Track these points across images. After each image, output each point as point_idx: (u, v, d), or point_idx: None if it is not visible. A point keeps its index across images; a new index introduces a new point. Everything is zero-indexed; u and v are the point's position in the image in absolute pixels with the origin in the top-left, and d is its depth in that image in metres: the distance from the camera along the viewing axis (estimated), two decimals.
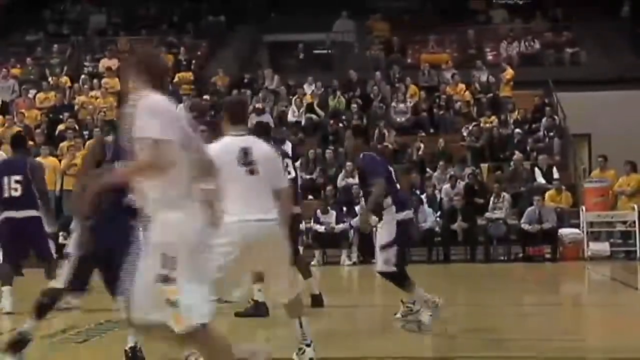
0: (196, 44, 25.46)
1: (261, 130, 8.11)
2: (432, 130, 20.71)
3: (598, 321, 9.22)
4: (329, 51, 25.67)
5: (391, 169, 8.01)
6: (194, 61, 24.07)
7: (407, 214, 7.94)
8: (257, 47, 26.53)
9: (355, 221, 15.82)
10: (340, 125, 20.45)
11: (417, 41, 25.01)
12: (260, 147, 5.87)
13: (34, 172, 9.00)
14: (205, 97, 21.85)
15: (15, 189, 8.83)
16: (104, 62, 23.44)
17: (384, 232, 7.75)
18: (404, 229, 7.78)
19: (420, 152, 19.48)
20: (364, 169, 7.88)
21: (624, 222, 16.48)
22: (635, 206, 16.34)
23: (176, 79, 22.82)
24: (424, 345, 7.11)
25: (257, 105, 21.12)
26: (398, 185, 8.01)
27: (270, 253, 5.62)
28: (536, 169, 18.33)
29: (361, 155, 7.89)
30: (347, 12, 25.11)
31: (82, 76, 22.72)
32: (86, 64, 24.05)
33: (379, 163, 7.85)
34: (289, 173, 8.60)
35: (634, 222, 16.21)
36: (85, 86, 22.15)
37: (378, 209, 7.73)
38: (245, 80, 23.22)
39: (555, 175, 18.08)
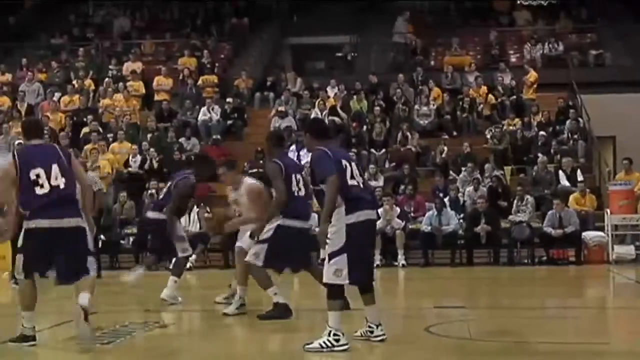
0: (220, 47, 25.59)
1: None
2: (455, 133, 20.66)
3: (623, 325, 9.15)
4: (353, 54, 25.68)
5: (347, 162, 6.90)
6: (217, 64, 24.17)
7: (360, 215, 6.79)
8: (280, 49, 26.61)
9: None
10: (364, 128, 20.47)
11: (440, 43, 24.97)
12: None
13: None
14: (228, 99, 21.93)
15: None
16: (128, 66, 23.57)
17: (332, 238, 6.71)
18: (355, 233, 6.71)
19: (443, 155, 19.44)
20: (312, 167, 6.99)
21: None
22: None
23: (200, 82, 22.92)
24: (448, 349, 7.09)
25: (279, 109, 21.18)
26: (355, 182, 6.87)
27: None
28: (560, 171, 18.24)
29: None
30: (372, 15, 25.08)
31: (106, 79, 22.86)
32: (110, 67, 24.18)
33: (328, 158, 6.82)
34: (300, 189, 8.54)
35: None
36: (110, 89, 22.28)
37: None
38: (268, 83, 23.30)
39: (580, 178, 17.98)
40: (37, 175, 6.78)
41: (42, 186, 6.78)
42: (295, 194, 8.50)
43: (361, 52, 25.45)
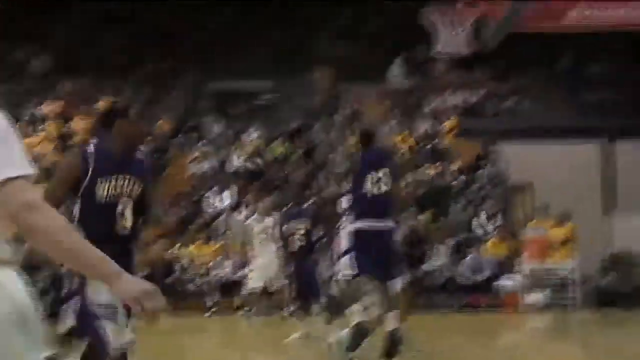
0: (140, 89, 25.32)
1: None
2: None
3: None
4: (273, 99, 25.73)
5: None
6: (137, 106, 23.91)
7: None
8: (200, 93, 26.49)
9: None
10: (284, 173, 20.47)
11: (360, 90, 25.13)
12: None
13: None
14: (147, 143, 21.72)
15: None
16: (46, 107, 23.18)
17: None
18: None
19: None
20: None
21: (562, 272, 16.63)
22: (573, 256, 16.55)
23: None
24: None
25: (199, 153, 21.07)
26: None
27: None
28: (477, 218, 18.48)
29: None
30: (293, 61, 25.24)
31: (22, 121, 22.41)
32: (28, 108, 23.73)
33: None
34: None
35: (571, 271, 16.38)
36: (26, 131, 21.83)
37: None
38: (189, 127, 23.16)
39: (496, 224, 18.24)
40: None
41: None
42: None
43: (282, 97, 25.52)
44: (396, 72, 25.24)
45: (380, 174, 7.86)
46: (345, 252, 7.75)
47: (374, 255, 7.63)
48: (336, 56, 25.86)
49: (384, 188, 7.79)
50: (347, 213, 7.86)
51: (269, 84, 25.55)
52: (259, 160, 20.84)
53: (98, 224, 4.87)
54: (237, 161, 20.87)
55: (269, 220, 12.95)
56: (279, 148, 21.49)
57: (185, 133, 22.93)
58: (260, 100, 25.62)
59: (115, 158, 5.13)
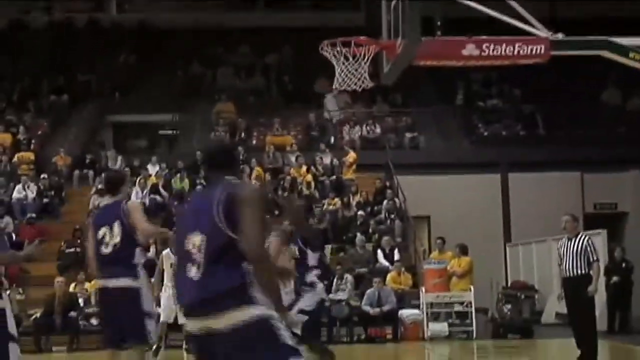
0: (37, 123, 24.83)
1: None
2: (276, 212, 20.80)
3: None
4: (174, 132, 25.63)
5: None
6: (34, 140, 23.47)
7: None
8: (100, 127, 26.16)
9: None
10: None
11: (262, 123, 25.28)
12: None
13: None
14: (43, 176, 21.31)
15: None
16: None
17: None
18: None
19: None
20: None
21: (461, 303, 16.97)
22: (471, 287, 16.92)
23: (15, 159, 22.19)
24: None
25: (99, 187, 20.73)
26: None
27: None
28: (379, 250, 18.72)
29: None
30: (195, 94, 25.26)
31: None
32: None
33: None
34: None
35: (470, 302, 16.73)
36: None
37: None
38: (87, 161, 22.80)
39: (397, 256, 18.51)
40: None
41: None
42: None
43: (183, 131, 25.42)
44: (330, 105, 25.47)
45: None
46: None
47: None
48: (238, 89, 26.00)
49: None
50: None
51: (170, 116, 25.44)
52: (160, 195, 20.64)
53: None
54: (137, 195, 20.62)
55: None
56: (180, 182, 21.35)
57: (84, 167, 22.54)
58: (162, 132, 25.47)
59: None
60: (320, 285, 8.21)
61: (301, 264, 7.70)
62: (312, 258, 7.61)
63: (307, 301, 7.93)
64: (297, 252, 7.73)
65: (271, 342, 4.16)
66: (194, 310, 4.27)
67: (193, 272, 4.27)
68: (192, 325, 4.30)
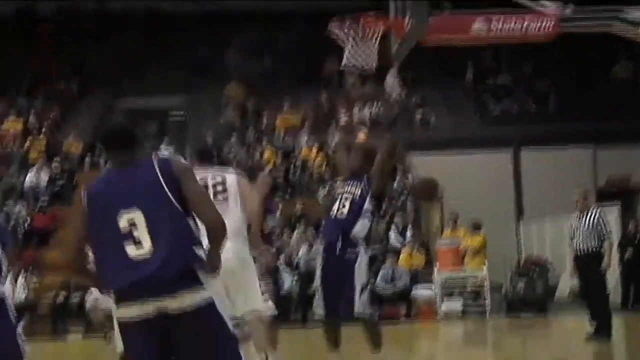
0: (47, 109, 24.85)
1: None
2: (288, 193, 20.82)
3: None
4: (185, 115, 25.60)
5: None
6: (44, 127, 23.50)
7: None
8: (110, 112, 26.13)
9: None
10: None
11: (272, 105, 25.20)
12: None
13: None
14: (55, 163, 21.35)
15: None
16: None
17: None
18: None
19: (277, 216, 19.54)
20: None
21: (475, 281, 16.95)
22: (485, 263, 16.89)
23: (27, 144, 22.23)
24: None
25: None
26: None
27: None
28: (391, 229, 18.69)
29: None
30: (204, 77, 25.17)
31: None
32: None
33: None
34: None
35: (484, 279, 16.71)
36: None
37: None
38: (100, 146, 22.81)
39: (409, 235, 18.48)
40: None
41: None
42: None
43: (194, 114, 25.39)
44: (390, 82, 25.31)
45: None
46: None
47: None
48: (248, 71, 25.89)
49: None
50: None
51: (180, 100, 25.41)
52: None
53: None
54: None
55: None
56: None
57: (95, 153, 22.56)
58: (171, 117, 25.45)
59: None
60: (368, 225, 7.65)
61: (356, 203, 7.26)
62: (368, 204, 7.26)
63: (360, 226, 7.41)
64: (357, 192, 7.25)
65: (223, 328, 4.06)
66: (144, 291, 3.95)
67: (134, 251, 4.02)
68: (137, 308, 3.99)
